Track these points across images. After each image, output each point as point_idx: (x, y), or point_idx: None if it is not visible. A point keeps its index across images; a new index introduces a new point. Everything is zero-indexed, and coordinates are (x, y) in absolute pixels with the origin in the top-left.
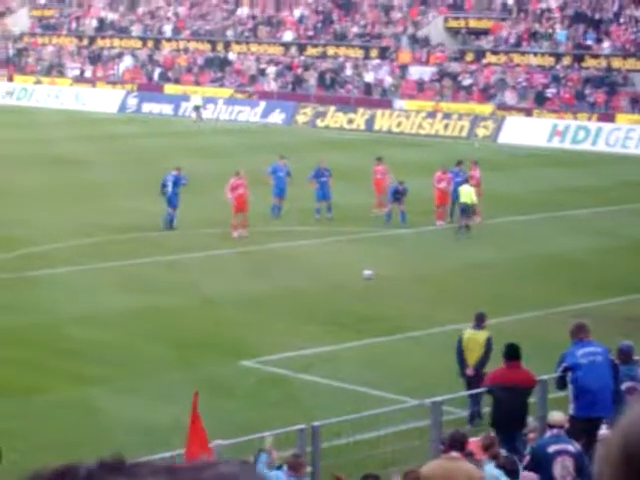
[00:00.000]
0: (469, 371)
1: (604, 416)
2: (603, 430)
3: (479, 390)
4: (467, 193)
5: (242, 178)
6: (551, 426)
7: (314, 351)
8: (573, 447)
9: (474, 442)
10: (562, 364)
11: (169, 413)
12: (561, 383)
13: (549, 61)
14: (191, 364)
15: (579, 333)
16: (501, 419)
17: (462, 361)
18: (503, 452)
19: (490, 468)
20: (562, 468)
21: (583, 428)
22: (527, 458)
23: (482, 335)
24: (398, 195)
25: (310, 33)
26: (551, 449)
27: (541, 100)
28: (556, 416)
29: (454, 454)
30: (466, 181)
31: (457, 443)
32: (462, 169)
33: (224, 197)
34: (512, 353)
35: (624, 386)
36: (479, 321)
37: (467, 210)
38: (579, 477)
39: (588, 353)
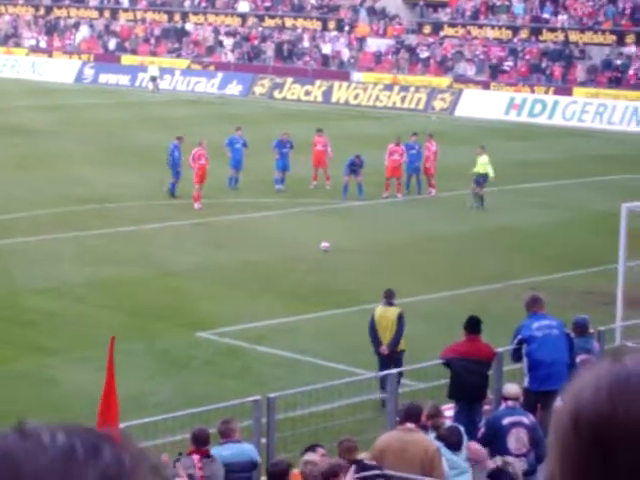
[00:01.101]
0: (383, 349)
1: (558, 389)
2: (557, 402)
3: (397, 370)
4: (482, 163)
5: (204, 148)
6: (506, 398)
7: (270, 323)
8: (528, 419)
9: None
10: (517, 336)
11: (125, 384)
12: (516, 355)
13: (506, 34)
14: (148, 335)
15: (534, 305)
16: (460, 391)
17: (375, 339)
18: (448, 423)
19: (430, 438)
20: (516, 440)
21: (537, 401)
22: (481, 430)
23: (393, 312)
24: (355, 167)
25: (267, 4)
26: (506, 421)
27: (498, 73)
28: (511, 389)
29: (409, 425)
30: (418, 154)
31: (413, 415)
32: (417, 141)
33: (188, 166)
34: (473, 326)
35: (579, 359)
36: (389, 298)
37: (482, 180)
38: (534, 449)
39: (543, 326)
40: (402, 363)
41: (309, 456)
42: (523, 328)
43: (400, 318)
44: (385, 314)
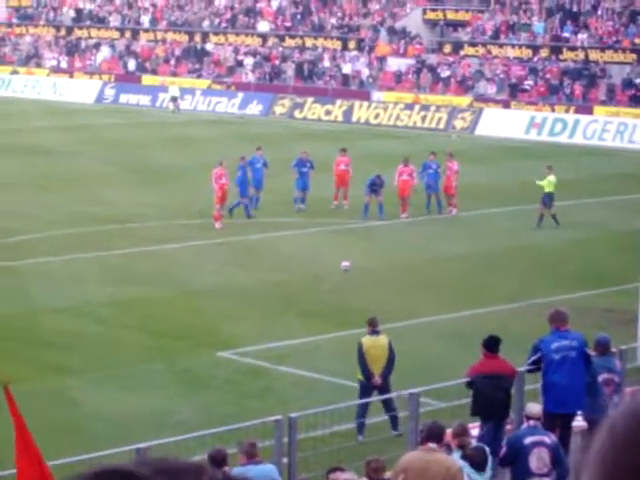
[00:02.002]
0: (377, 380)
1: (573, 412)
2: (578, 422)
3: (388, 396)
4: (550, 182)
5: (224, 168)
6: (528, 418)
7: (292, 342)
8: (549, 439)
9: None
10: (536, 351)
11: (145, 403)
12: (534, 371)
13: (527, 53)
14: (169, 355)
15: (556, 320)
16: (484, 408)
17: (366, 370)
18: (474, 443)
19: (456, 457)
20: (538, 459)
21: (553, 422)
22: (503, 449)
23: (383, 340)
24: (375, 187)
25: (288, 24)
26: (527, 440)
27: (518, 92)
28: (533, 408)
29: (431, 445)
30: (439, 173)
31: (434, 434)
32: (435, 160)
33: (210, 186)
34: (492, 345)
35: (601, 378)
36: (374, 326)
37: (548, 200)
38: (555, 469)
39: (562, 347)
40: (391, 389)
41: (338, 475)
42: (543, 344)
43: (390, 345)
44: (375, 343)
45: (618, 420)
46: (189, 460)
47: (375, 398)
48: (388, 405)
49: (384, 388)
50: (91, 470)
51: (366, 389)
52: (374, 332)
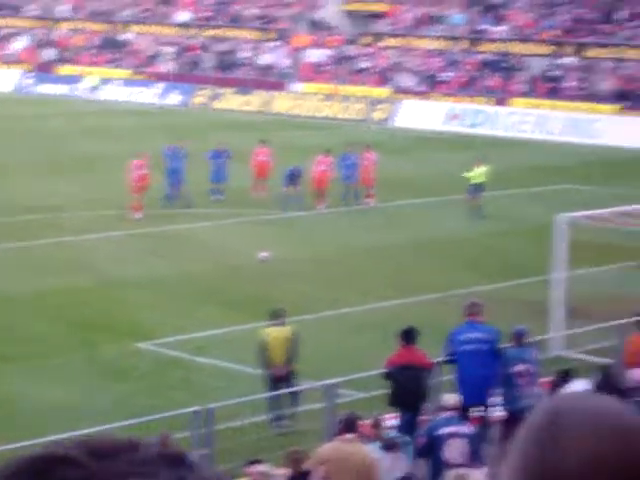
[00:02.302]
0: (280, 370)
1: (481, 403)
2: (498, 412)
3: (293, 389)
4: (480, 173)
5: (145, 159)
6: (445, 408)
7: (210, 333)
8: (467, 429)
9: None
10: (450, 344)
11: (65, 394)
12: (450, 362)
13: (446, 45)
14: (89, 345)
15: (470, 311)
16: (401, 399)
17: (266, 362)
18: (392, 433)
19: (374, 448)
20: (455, 449)
21: (468, 412)
22: (421, 440)
23: (287, 331)
24: (294, 178)
25: (208, 14)
26: (444, 431)
27: (437, 84)
28: (450, 399)
29: (349, 436)
30: (358, 164)
31: (352, 425)
32: (352, 152)
33: (127, 178)
34: (409, 336)
35: (515, 369)
36: (278, 317)
37: (476, 189)
38: (472, 459)
39: (474, 339)
40: (294, 384)
41: (255, 467)
42: (455, 335)
43: (295, 336)
44: (278, 334)
45: (536, 418)
46: (122, 437)
47: (284, 391)
48: (293, 398)
49: (288, 379)
50: (19, 458)
51: (272, 380)
52: (279, 323)
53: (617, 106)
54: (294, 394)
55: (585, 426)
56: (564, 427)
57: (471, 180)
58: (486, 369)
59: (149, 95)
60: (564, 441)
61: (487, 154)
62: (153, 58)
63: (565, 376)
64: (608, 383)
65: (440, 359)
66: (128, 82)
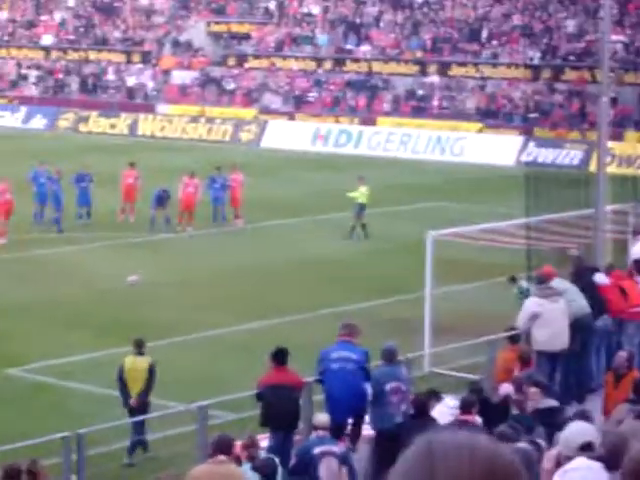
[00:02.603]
0: (133, 402)
1: (348, 419)
2: (367, 431)
3: (142, 417)
4: (362, 194)
5: (6, 183)
6: (316, 428)
7: (79, 358)
8: (338, 448)
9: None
10: (320, 362)
11: None
12: (321, 381)
13: (311, 65)
14: None
15: (343, 332)
16: (273, 419)
17: (124, 391)
18: (264, 454)
19: (246, 469)
20: (327, 469)
21: (337, 430)
22: (293, 460)
23: (144, 362)
24: (162, 200)
25: (71, 37)
26: (316, 450)
27: (303, 104)
28: (321, 418)
29: (221, 457)
30: (226, 186)
31: (223, 446)
32: (220, 174)
33: None
34: (280, 357)
35: (388, 386)
36: (138, 347)
37: (361, 210)
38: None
39: (341, 358)
40: (147, 412)
41: None
42: (324, 354)
43: (151, 368)
44: (135, 365)
45: (412, 451)
46: None
47: (136, 418)
48: (137, 428)
49: (140, 410)
50: None
51: (128, 410)
52: (138, 353)
53: (480, 124)
54: (140, 424)
55: (458, 454)
56: (438, 457)
57: (356, 200)
58: (350, 387)
59: (13, 119)
60: (439, 470)
61: (340, 174)
62: (17, 82)
63: (432, 397)
64: (478, 398)
65: (311, 379)
66: None
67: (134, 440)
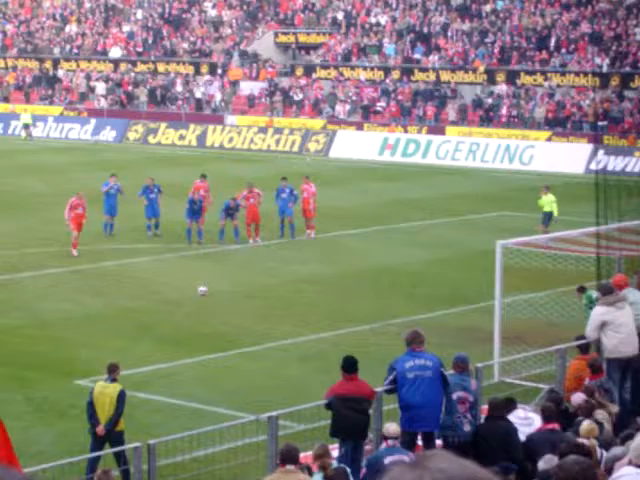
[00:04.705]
0: (100, 429)
1: (430, 430)
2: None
3: (116, 449)
4: (549, 202)
5: (81, 198)
6: (386, 438)
7: (150, 369)
8: (409, 458)
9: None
10: (392, 371)
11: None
12: (391, 391)
13: (379, 75)
14: (26, 384)
15: (412, 341)
16: (343, 430)
17: (92, 417)
18: (335, 464)
19: (317, 479)
20: None
21: (413, 439)
22: (363, 470)
23: (113, 389)
24: (231, 211)
25: (139, 49)
26: (387, 460)
27: (371, 114)
28: (391, 428)
29: (289, 467)
30: (294, 196)
31: (290, 456)
32: (287, 185)
33: (63, 216)
34: (349, 366)
35: (455, 395)
36: (110, 372)
37: (548, 218)
38: None
39: (416, 367)
40: (124, 442)
41: None
42: (397, 363)
43: (120, 396)
44: (104, 391)
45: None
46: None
47: (108, 450)
48: (118, 458)
49: (111, 440)
50: None
51: (96, 441)
52: (109, 379)
53: (549, 132)
54: (119, 454)
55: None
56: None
57: (543, 208)
58: (429, 395)
59: (82, 132)
60: None
61: (409, 184)
62: (86, 94)
63: (509, 403)
64: (554, 407)
65: (381, 389)
66: (60, 119)
67: (122, 469)
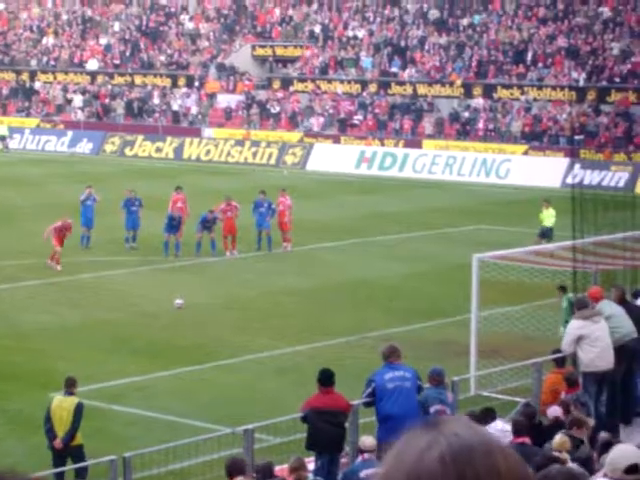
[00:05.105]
0: (57, 444)
1: None
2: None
3: (77, 466)
4: (549, 216)
5: (69, 227)
6: (362, 451)
7: (126, 381)
8: None
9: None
10: (371, 384)
11: None
12: (369, 404)
13: (356, 88)
14: (0, 396)
15: (390, 356)
16: (319, 443)
17: (50, 431)
18: (311, 477)
19: None
20: None
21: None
22: None
23: (71, 402)
24: (208, 224)
25: (117, 62)
26: (363, 474)
27: (348, 127)
28: (367, 441)
29: (240, 478)
30: (272, 210)
31: (235, 469)
32: (265, 198)
33: (39, 228)
34: (326, 379)
35: (433, 409)
36: (68, 386)
37: (549, 233)
38: None
39: (396, 378)
40: (84, 458)
41: None
42: (376, 376)
43: (77, 409)
44: (61, 404)
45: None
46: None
47: (71, 466)
48: (77, 473)
49: (72, 454)
50: None
51: (57, 456)
52: (67, 393)
53: (525, 146)
54: (79, 470)
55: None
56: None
57: (542, 222)
58: (408, 406)
59: (59, 144)
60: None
61: (385, 197)
62: (62, 106)
63: (487, 414)
64: (525, 421)
65: (357, 401)
66: (37, 131)
67: None
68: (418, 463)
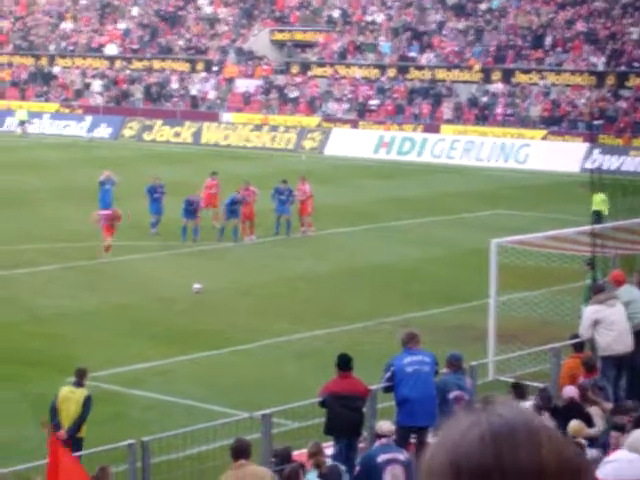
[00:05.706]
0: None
1: (428, 425)
2: (429, 438)
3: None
4: (600, 201)
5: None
6: (380, 436)
7: (144, 366)
8: (403, 456)
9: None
10: (390, 368)
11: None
12: (388, 389)
13: (374, 73)
14: (21, 381)
15: (409, 342)
16: (337, 428)
17: (56, 422)
18: (330, 461)
19: (312, 477)
20: (392, 477)
21: (407, 436)
22: (357, 468)
23: (80, 394)
24: (235, 206)
25: (135, 46)
26: (381, 458)
27: (366, 112)
28: (384, 426)
29: (242, 461)
30: (292, 198)
31: (242, 451)
32: (286, 187)
33: (58, 213)
34: (344, 363)
35: (452, 395)
36: (79, 377)
37: (598, 217)
38: None
39: (415, 362)
40: (81, 449)
41: None
42: (395, 360)
43: (86, 401)
44: (70, 396)
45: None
46: None
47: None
48: None
49: (74, 446)
50: None
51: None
52: (76, 384)
53: (544, 131)
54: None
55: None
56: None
57: (594, 207)
58: (427, 390)
59: (77, 128)
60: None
61: (404, 182)
62: (81, 91)
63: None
64: (547, 405)
65: (375, 387)
66: (56, 115)
67: None
68: (459, 442)
